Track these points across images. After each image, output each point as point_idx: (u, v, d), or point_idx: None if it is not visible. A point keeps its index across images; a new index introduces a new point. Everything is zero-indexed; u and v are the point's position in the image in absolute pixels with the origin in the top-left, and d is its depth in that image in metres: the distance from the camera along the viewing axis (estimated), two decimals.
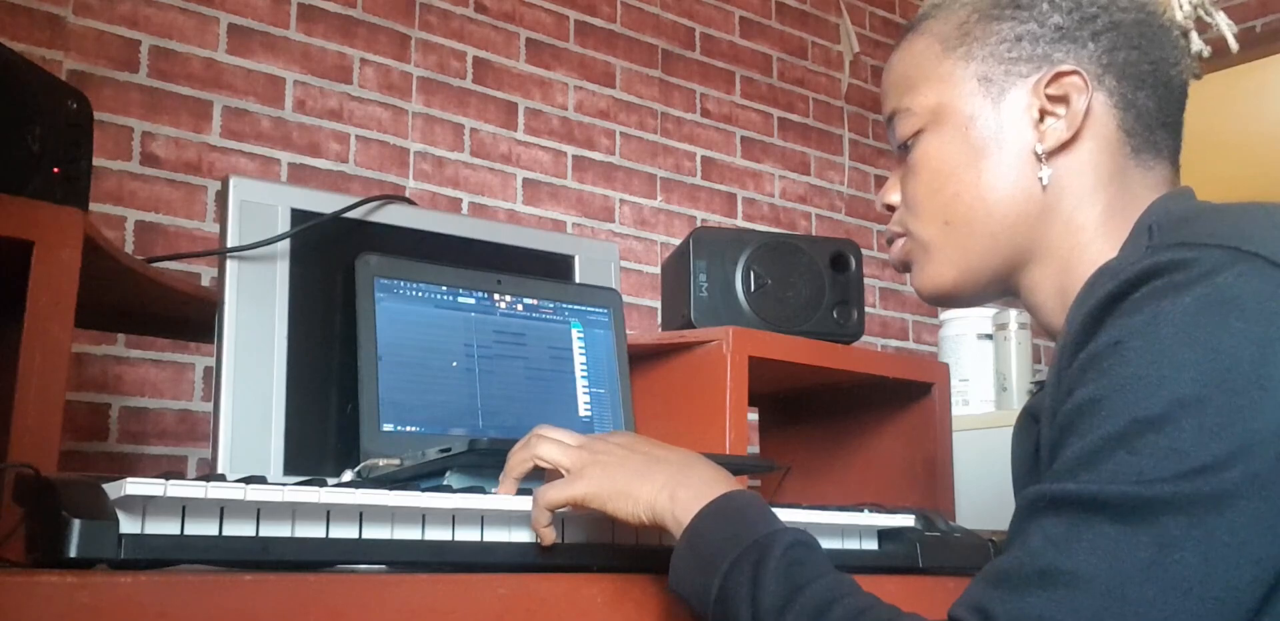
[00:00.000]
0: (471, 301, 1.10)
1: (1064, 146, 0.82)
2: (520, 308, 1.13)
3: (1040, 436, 0.78)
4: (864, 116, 2.81)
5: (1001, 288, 0.88)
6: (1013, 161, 0.83)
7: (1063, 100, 0.82)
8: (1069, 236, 0.82)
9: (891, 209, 0.92)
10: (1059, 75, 0.81)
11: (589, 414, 1.15)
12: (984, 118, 0.84)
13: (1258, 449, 0.60)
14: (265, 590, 0.62)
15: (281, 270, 1.03)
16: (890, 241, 0.92)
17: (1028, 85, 0.83)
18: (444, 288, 1.09)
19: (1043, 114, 0.82)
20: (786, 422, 1.68)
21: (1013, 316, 2.06)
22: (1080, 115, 0.81)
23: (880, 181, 2.79)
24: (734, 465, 1.16)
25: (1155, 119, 0.83)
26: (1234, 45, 0.91)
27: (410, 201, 1.18)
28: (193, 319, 1.21)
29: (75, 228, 0.92)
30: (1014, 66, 0.83)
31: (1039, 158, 0.82)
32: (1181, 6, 0.87)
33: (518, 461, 0.80)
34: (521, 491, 0.78)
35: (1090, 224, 0.82)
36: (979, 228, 0.84)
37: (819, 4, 2.79)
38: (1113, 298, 0.67)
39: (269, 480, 0.68)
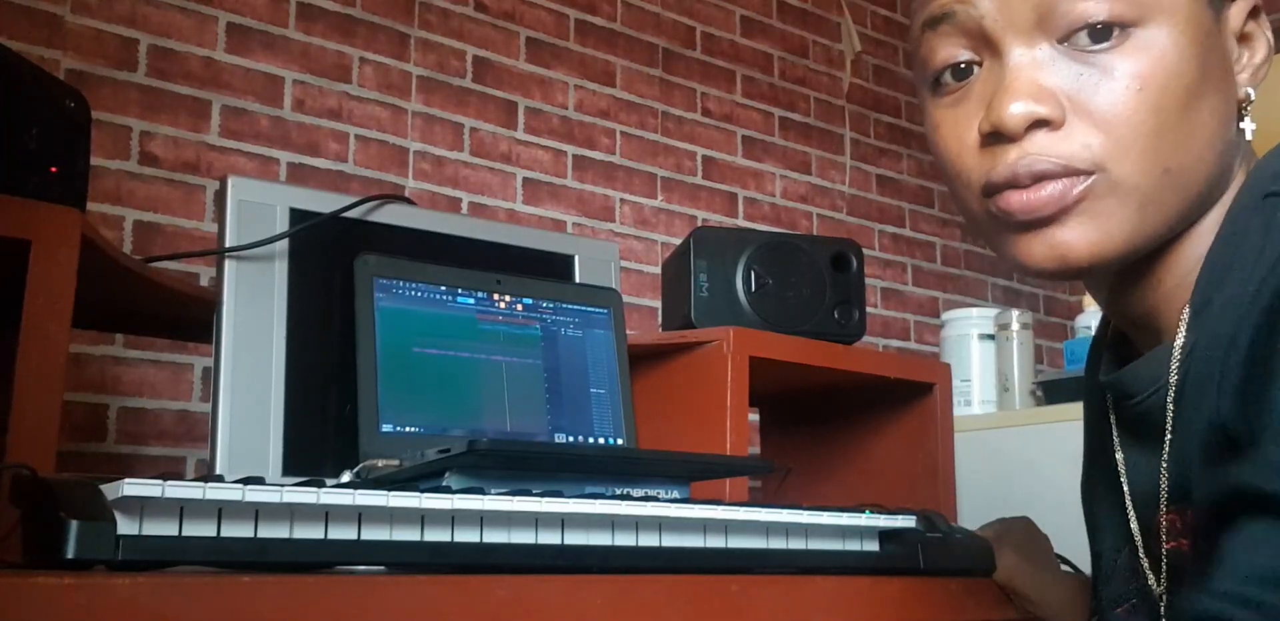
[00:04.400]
0: (471, 301, 1.10)
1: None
2: (520, 308, 1.13)
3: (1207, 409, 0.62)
4: (865, 116, 2.80)
5: (1137, 255, 0.67)
6: (1227, 105, 0.64)
7: (1250, 38, 0.66)
8: (1219, 201, 0.66)
9: (1035, 126, 0.63)
10: (1256, 8, 0.65)
11: (589, 414, 1.14)
12: (1214, 35, 0.63)
13: None
14: (263, 591, 0.62)
15: (280, 270, 1.03)
16: (1036, 177, 0.63)
17: (1232, 14, 0.65)
18: (443, 288, 1.08)
19: (1242, 47, 0.65)
20: (787, 423, 1.68)
21: (1014, 316, 2.06)
22: (1269, 51, 0.65)
23: (883, 181, 2.79)
24: (734, 466, 1.16)
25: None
26: None
27: (409, 201, 1.18)
28: (191, 319, 1.21)
29: (73, 227, 0.92)
30: None
31: (1242, 102, 0.65)
32: None
33: None
34: (520, 492, 0.77)
35: (1235, 185, 0.67)
36: (1196, 183, 0.64)
37: (820, 3, 2.78)
38: None
39: (267, 481, 0.67)
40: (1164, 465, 0.68)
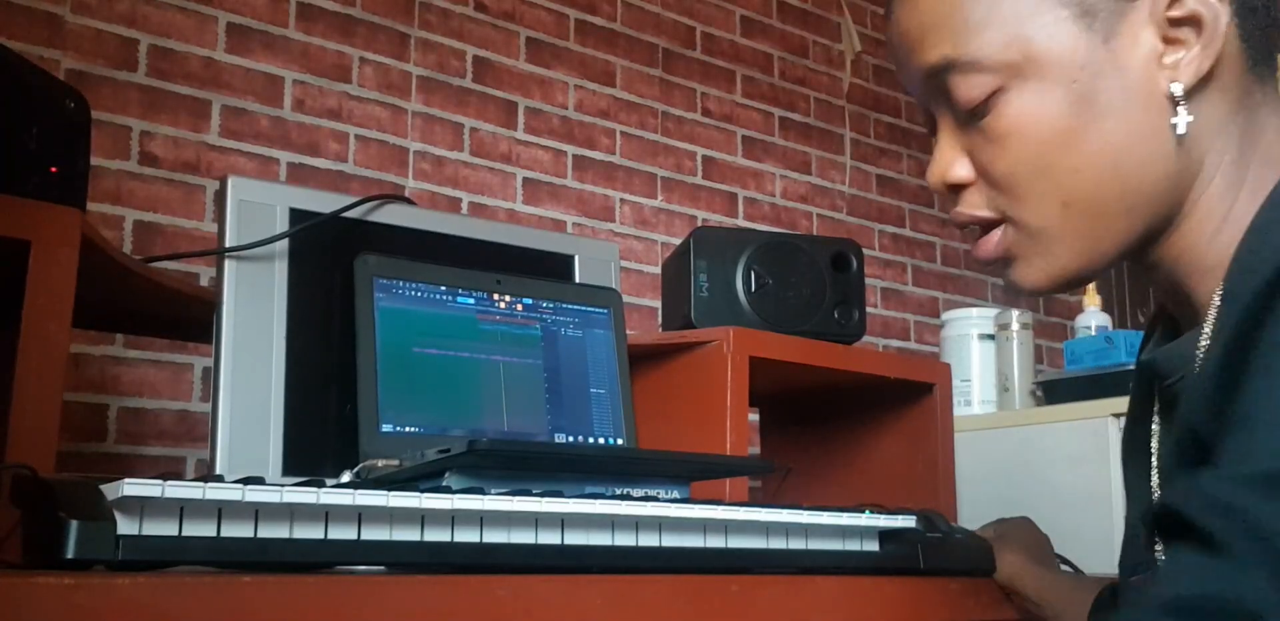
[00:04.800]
0: (471, 301, 1.10)
1: (1202, 81, 0.66)
2: (520, 308, 1.13)
3: (1179, 413, 0.66)
4: (865, 116, 2.80)
5: (1119, 263, 0.73)
6: (1140, 114, 0.67)
7: (1190, 21, 0.66)
8: (1208, 187, 0.69)
9: (955, 189, 0.73)
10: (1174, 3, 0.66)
11: (589, 414, 1.14)
12: (1094, 64, 0.67)
13: None
14: (263, 591, 0.62)
15: (280, 270, 1.03)
16: (965, 229, 0.74)
17: (1142, 12, 0.66)
18: (443, 288, 1.08)
19: (1167, 44, 0.67)
20: (787, 423, 1.68)
21: (1014, 316, 2.06)
22: (1219, 36, 0.66)
23: (883, 181, 2.79)
24: (734, 466, 1.16)
25: (1267, 16, 0.69)
26: None
27: (409, 201, 1.18)
28: (191, 319, 1.21)
29: (73, 227, 0.92)
30: None
31: (1174, 102, 0.66)
32: None
33: None
34: (520, 492, 0.77)
35: (1227, 165, 0.68)
36: (1111, 205, 0.68)
37: (820, 3, 2.78)
38: None
39: (267, 481, 0.67)
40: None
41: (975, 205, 0.72)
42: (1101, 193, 0.68)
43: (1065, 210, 0.69)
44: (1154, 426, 0.77)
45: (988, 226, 0.72)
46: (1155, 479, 0.76)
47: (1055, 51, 0.67)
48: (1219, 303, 0.65)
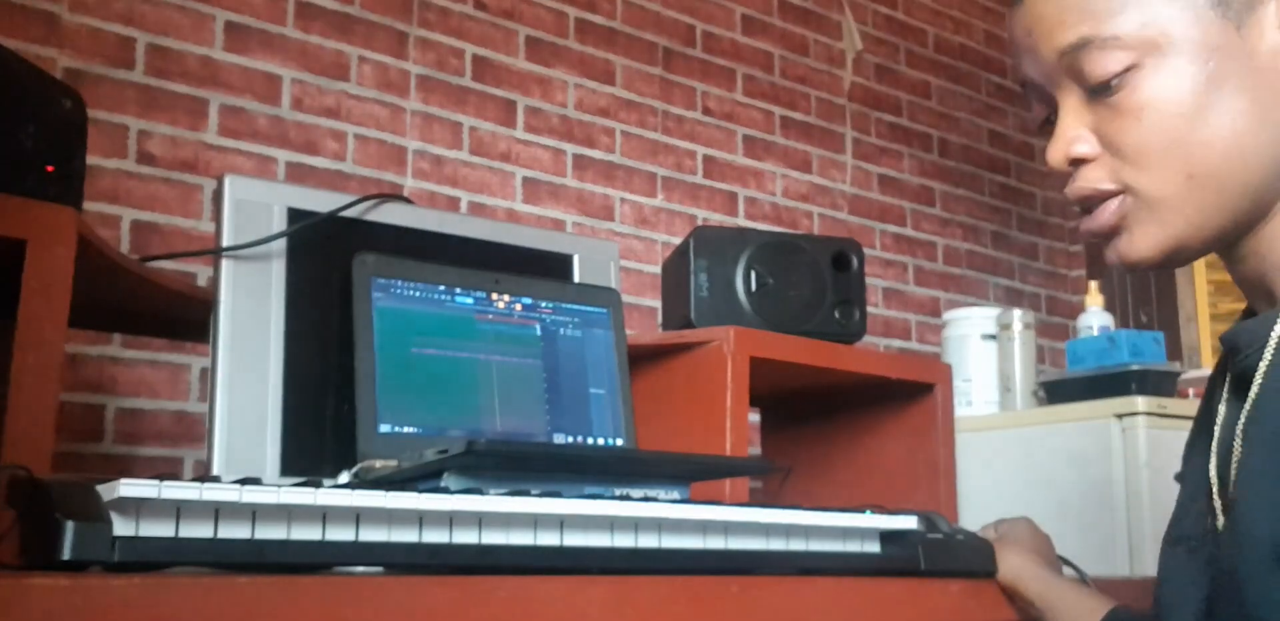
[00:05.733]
0: (470, 301, 1.09)
1: None
2: (519, 307, 1.12)
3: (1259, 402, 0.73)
4: (866, 114, 2.80)
5: (1216, 249, 0.78)
6: (1269, 98, 0.71)
7: None
8: None
9: (1075, 164, 0.77)
10: None
11: (588, 414, 1.14)
12: (1227, 48, 0.71)
13: None
14: (261, 592, 0.62)
15: (278, 269, 1.03)
16: (1083, 202, 0.78)
17: (1270, 8, 0.72)
18: (442, 287, 1.08)
19: None
20: (788, 423, 1.68)
21: (1016, 316, 2.05)
22: None
23: (884, 180, 2.79)
24: (734, 466, 1.15)
25: None
26: None
27: (408, 200, 1.17)
28: (188, 319, 1.20)
29: (69, 226, 0.92)
30: None
31: None
32: None
33: None
34: (518, 492, 0.77)
35: None
36: (1232, 179, 0.72)
37: (821, 1, 2.78)
38: None
39: (265, 481, 0.67)
40: (1241, 421, 0.75)
41: (1096, 179, 0.76)
42: (1225, 168, 0.72)
43: (1189, 181, 0.73)
44: (1220, 405, 0.80)
45: (1101, 201, 0.76)
46: (1214, 451, 0.78)
47: (1192, 33, 0.72)
48: None
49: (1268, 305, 0.78)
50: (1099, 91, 0.74)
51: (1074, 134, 0.77)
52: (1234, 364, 0.78)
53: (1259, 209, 0.74)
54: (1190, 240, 0.75)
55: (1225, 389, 0.80)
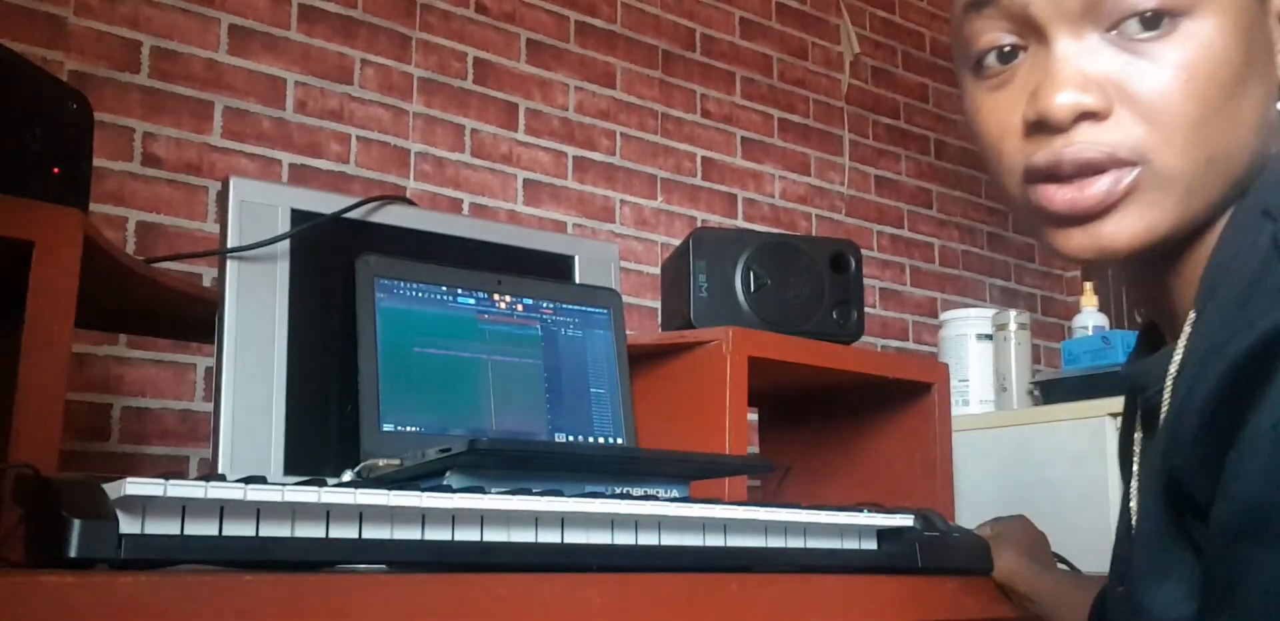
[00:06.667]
0: (471, 302, 1.10)
1: None
2: (520, 308, 1.13)
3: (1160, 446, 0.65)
4: (864, 117, 2.81)
5: (1169, 247, 0.66)
6: (1269, 87, 0.64)
7: None
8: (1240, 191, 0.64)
9: (1085, 117, 0.62)
10: None
11: (589, 414, 1.15)
12: (1258, 22, 0.63)
13: None
14: (265, 590, 0.62)
15: (282, 270, 1.03)
16: (1081, 168, 0.62)
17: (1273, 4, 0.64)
18: (444, 288, 1.09)
19: None
20: (786, 423, 1.68)
21: (1012, 317, 2.06)
22: None
23: (882, 182, 2.79)
24: (733, 465, 1.16)
25: None
26: None
27: (410, 202, 1.18)
28: (193, 319, 1.21)
29: (75, 228, 0.92)
30: None
31: None
32: None
33: None
34: (520, 491, 0.78)
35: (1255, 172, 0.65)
36: (1232, 172, 0.63)
37: (819, 5, 2.79)
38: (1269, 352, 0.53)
39: (269, 480, 0.68)
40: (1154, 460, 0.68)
41: (1112, 142, 0.62)
42: (1236, 157, 0.63)
43: (1208, 164, 0.62)
44: (1136, 434, 0.75)
45: (1104, 171, 0.62)
46: (1135, 486, 0.74)
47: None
48: (1193, 319, 0.64)
49: (1171, 329, 0.70)
50: (1140, 26, 0.61)
51: (1085, 78, 0.62)
52: (1141, 400, 0.73)
53: (1220, 211, 0.65)
54: (1176, 232, 0.64)
55: (1138, 420, 0.74)
